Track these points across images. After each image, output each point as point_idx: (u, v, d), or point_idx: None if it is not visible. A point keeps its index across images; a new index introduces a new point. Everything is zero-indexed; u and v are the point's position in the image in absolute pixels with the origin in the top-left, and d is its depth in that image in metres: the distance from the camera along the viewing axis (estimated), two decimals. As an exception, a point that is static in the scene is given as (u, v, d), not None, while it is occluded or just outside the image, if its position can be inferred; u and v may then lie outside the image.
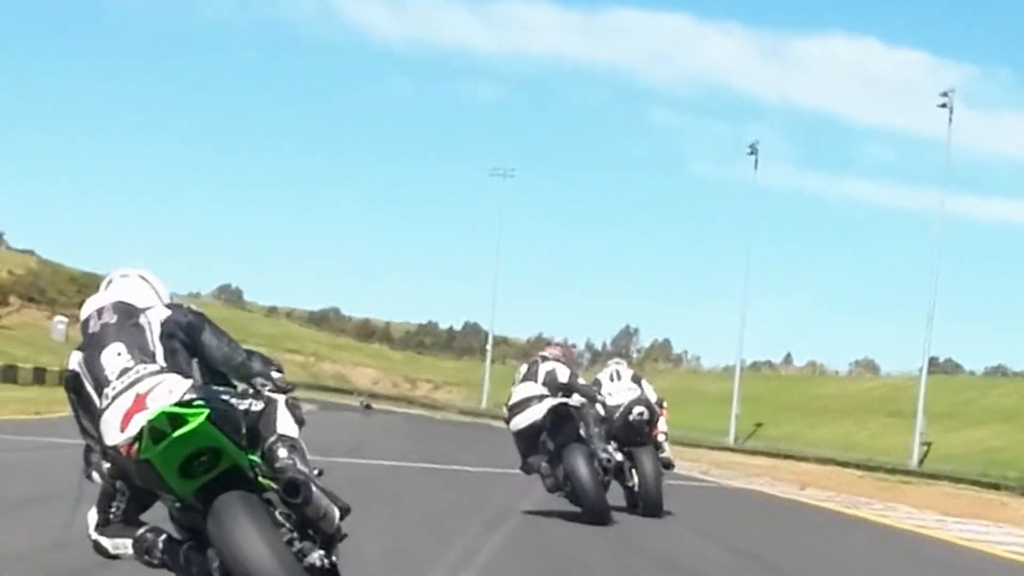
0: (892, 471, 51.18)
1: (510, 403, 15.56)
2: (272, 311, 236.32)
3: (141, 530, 6.56)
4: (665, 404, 18.03)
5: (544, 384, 15.35)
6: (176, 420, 6.06)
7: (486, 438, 48.60)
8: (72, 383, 6.67)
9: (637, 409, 16.85)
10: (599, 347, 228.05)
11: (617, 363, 18.33)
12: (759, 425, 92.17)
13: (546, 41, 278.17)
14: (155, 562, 6.58)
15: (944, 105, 72.88)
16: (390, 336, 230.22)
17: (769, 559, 14.87)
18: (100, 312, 6.79)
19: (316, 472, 6.86)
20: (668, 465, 17.78)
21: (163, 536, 6.56)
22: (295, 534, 6.41)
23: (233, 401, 6.43)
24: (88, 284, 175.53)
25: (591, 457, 15.04)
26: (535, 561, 12.77)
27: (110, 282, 7.19)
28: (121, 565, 7.21)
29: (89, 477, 6.69)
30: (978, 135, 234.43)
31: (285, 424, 6.76)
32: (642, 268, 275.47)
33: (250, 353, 6.96)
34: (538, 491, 16.57)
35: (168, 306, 6.92)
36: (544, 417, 15.04)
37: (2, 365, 58.81)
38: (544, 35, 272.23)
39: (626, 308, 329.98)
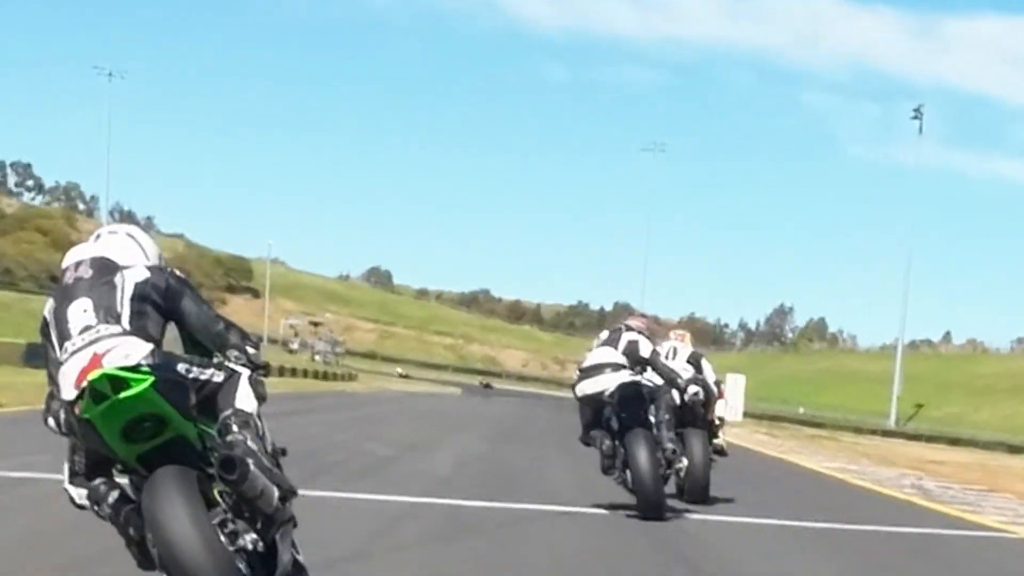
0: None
1: (583, 365, 14.46)
2: (422, 293, 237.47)
3: (97, 480, 6.58)
4: (724, 387, 17.44)
5: (624, 354, 14.29)
6: (118, 383, 6.08)
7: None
8: (43, 330, 6.70)
9: (692, 389, 16.06)
10: (752, 326, 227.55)
11: (678, 337, 17.63)
12: (920, 406, 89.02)
13: (697, 26, 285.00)
14: (103, 515, 6.60)
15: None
16: (540, 317, 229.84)
17: None
18: (78, 265, 6.74)
19: (281, 450, 6.87)
20: (721, 452, 17.29)
21: (115, 491, 6.55)
22: (229, 514, 6.29)
23: (195, 370, 6.45)
24: (235, 267, 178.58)
25: (655, 446, 13.92)
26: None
27: (98, 236, 7.09)
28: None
29: (45, 422, 6.61)
30: None
31: (244, 399, 6.58)
32: (795, 247, 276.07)
33: (229, 325, 6.85)
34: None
35: (150, 268, 6.84)
36: (613, 391, 13.98)
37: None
38: (695, 20, 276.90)
39: (780, 287, 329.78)
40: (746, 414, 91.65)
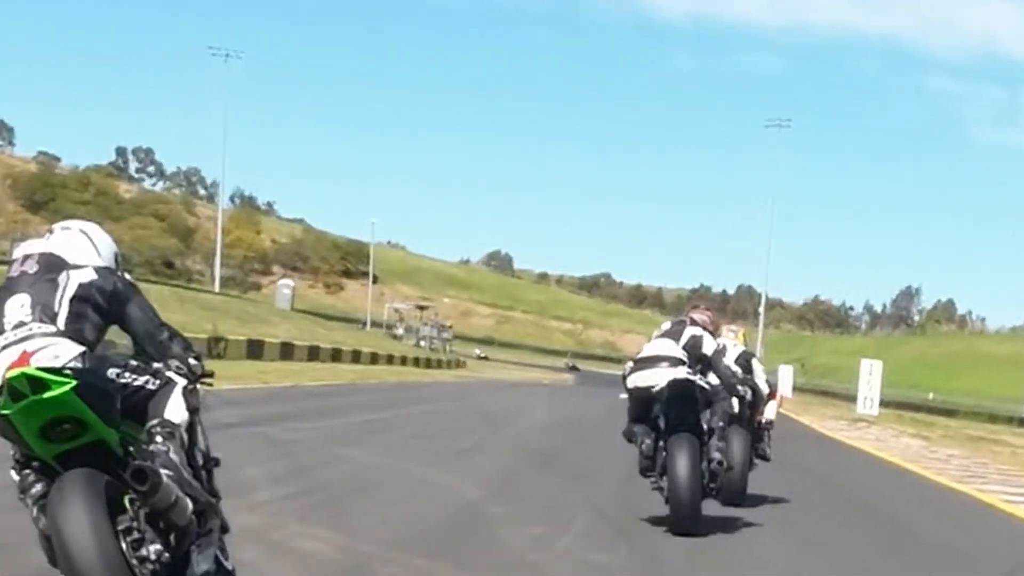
0: None
1: (637, 356, 13.48)
2: (542, 277, 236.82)
3: (27, 471, 6.45)
4: (780, 394, 17.04)
5: (685, 349, 13.28)
6: (37, 384, 6.03)
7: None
8: None
9: (740, 388, 15.10)
10: (878, 309, 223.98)
11: (732, 334, 16.66)
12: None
13: (824, 12, 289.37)
14: (26, 505, 6.50)
15: None
16: (662, 301, 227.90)
17: None
18: (25, 259, 6.79)
19: (214, 460, 6.90)
20: (764, 456, 16.46)
21: (40, 484, 6.40)
22: (136, 523, 6.17)
23: (127, 375, 6.46)
24: (352, 252, 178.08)
25: (700, 456, 12.85)
26: None
27: (51, 232, 7.11)
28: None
29: None
30: None
31: (174, 409, 6.54)
32: (921, 228, 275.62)
33: (173, 334, 6.85)
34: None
35: (98, 269, 6.82)
36: (663, 388, 12.91)
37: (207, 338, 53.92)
38: (822, 6, 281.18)
39: (906, 268, 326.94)
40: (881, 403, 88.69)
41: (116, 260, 7.07)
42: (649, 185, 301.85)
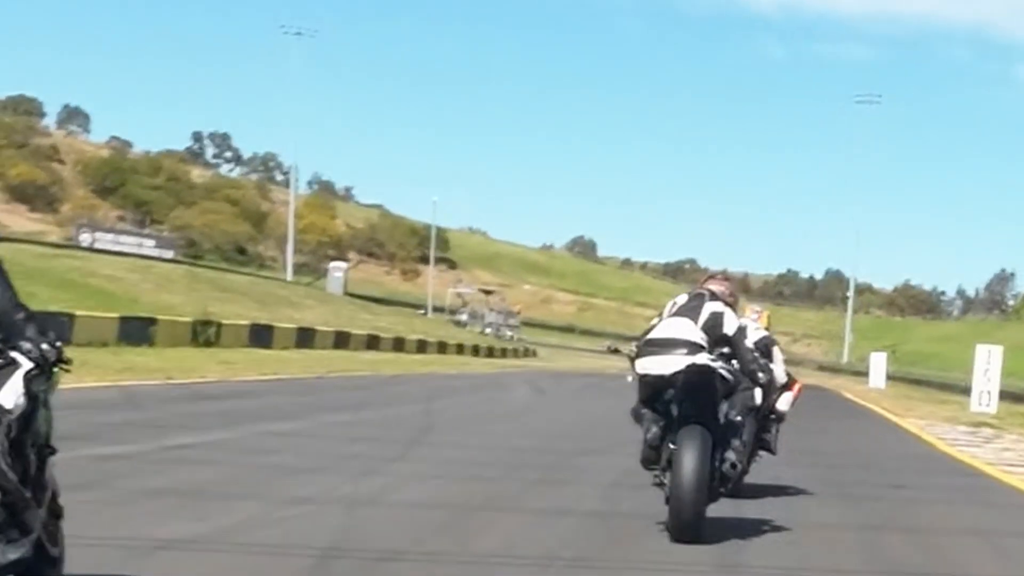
0: None
1: (650, 336, 11.89)
2: (626, 263, 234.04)
3: None
4: (799, 386, 15.94)
5: (704, 330, 11.79)
6: None
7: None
8: None
9: (761, 375, 13.42)
10: (971, 294, 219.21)
11: (756, 313, 15.88)
12: None
13: (911, 1, 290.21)
14: None
15: None
16: (748, 287, 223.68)
17: None
18: None
19: (50, 449, 6.70)
20: (769, 449, 15.31)
21: None
22: None
23: None
24: (429, 237, 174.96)
25: (711, 455, 11.42)
26: None
27: None
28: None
29: None
30: None
31: (7, 393, 6.30)
32: (1016, 211, 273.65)
33: (29, 316, 6.58)
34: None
35: None
36: (679, 371, 11.49)
37: (191, 321, 47.65)
38: None
39: (1000, 252, 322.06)
40: (965, 389, 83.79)
41: None
42: (735, 170, 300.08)
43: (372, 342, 64.97)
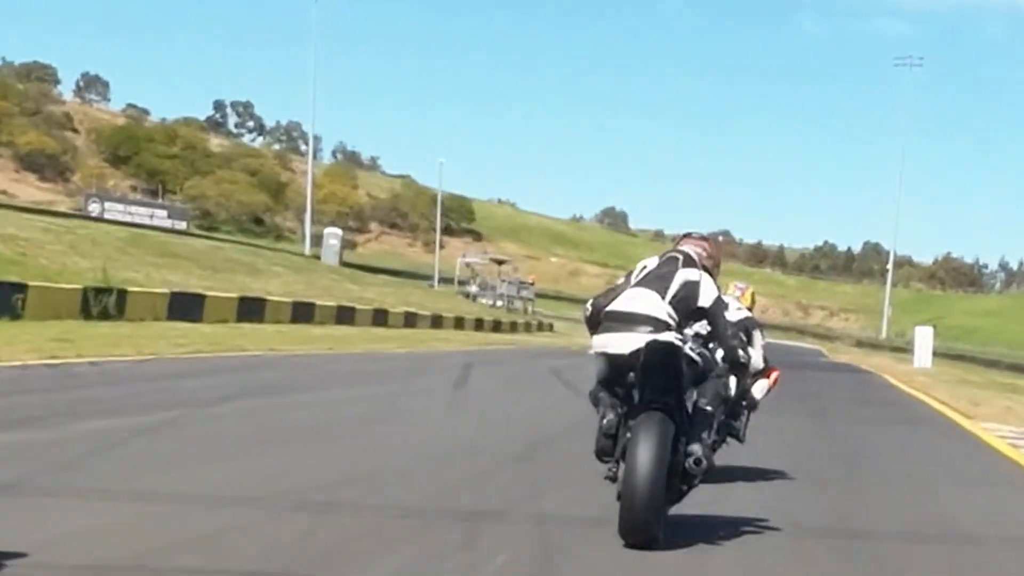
0: None
1: (611, 307, 9.96)
2: (658, 235, 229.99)
3: None
4: (776, 375, 14.24)
5: (673, 303, 9.89)
6: None
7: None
8: None
9: (741, 353, 11.67)
10: (1014, 267, 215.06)
11: (739, 290, 14.33)
12: None
13: None
14: None
15: None
16: (783, 260, 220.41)
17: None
18: None
19: None
20: (737, 436, 13.31)
21: None
22: None
23: None
24: (454, 208, 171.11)
25: (673, 449, 9.66)
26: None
27: None
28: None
29: None
30: None
31: None
32: None
33: None
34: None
35: None
36: (634, 353, 9.70)
37: (82, 288, 38.70)
38: None
39: None
40: (1012, 366, 78.61)
41: None
42: (771, 141, 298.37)
43: (344, 315, 57.43)
